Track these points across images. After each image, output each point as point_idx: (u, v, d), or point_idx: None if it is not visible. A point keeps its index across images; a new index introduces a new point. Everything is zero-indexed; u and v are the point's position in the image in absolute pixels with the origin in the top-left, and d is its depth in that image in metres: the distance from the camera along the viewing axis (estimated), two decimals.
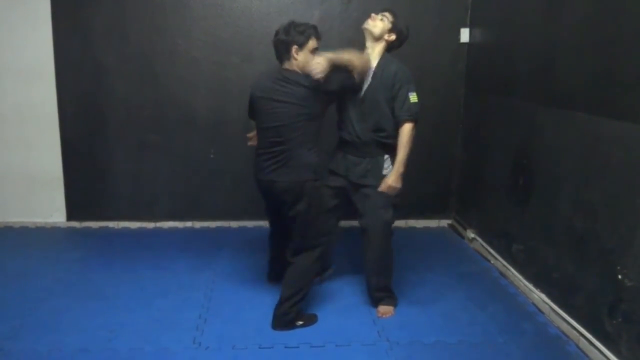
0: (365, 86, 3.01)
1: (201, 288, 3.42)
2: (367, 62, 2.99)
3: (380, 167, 3.04)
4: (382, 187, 2.99)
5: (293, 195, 2.88)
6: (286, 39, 2.84)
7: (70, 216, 4.55)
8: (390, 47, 3.07)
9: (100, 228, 4.54)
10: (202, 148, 4.47)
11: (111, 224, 4.57)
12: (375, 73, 2.99)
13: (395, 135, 2.99)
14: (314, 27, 2.89)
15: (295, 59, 2.85)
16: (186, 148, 4.47)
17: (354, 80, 2.92)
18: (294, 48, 2.83)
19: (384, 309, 3.15)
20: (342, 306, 3.24)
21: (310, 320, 3.05)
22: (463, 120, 4.53)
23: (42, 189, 4.48)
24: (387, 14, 3.02)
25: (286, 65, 2.89)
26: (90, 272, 3.68)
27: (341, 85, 2.91)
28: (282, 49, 2.87)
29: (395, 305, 3.20)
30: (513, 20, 3.66)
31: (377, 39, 3.01)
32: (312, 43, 2.86)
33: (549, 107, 3.15)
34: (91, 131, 4.42)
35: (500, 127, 3.82)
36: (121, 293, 3.33)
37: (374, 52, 3.03)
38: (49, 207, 4.52)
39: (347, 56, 2.90)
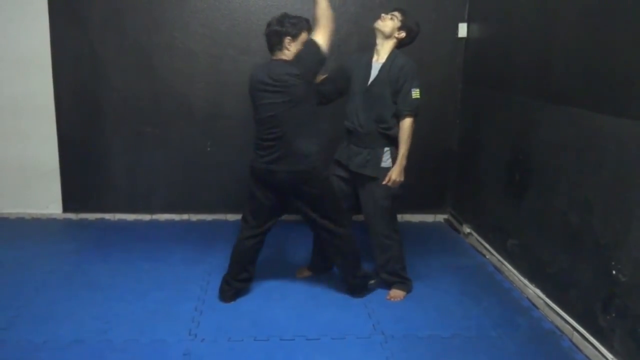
0: (372, 78, 3.11)
1: (197, 280, 3.43)
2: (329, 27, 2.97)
3: (379, 159, 3.11)
4: (386, 180, 3.08)
5: (296, 184, 2.94)
6: (280, 30, 2.87)
7: (66, 208, 4.55)
8: (401, 44, 3.16)
9: (97, 220, 4.54)
10: (199, 141, 4.46)
11: (107, 216, 4.57)
12: (383, 66, 3.10)
13: (395, 127, 3.09)
14: (307, 20, 2.94)
15: (288, 50, 2.89)
16: (183, 140, 4.46)
17: (322, 56, 2.90)
18: (287, 39, 2.87)
19: (395, 293, 3.26)
20: (337, 300, 3.24)
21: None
22: (460, 115, 4.53)
23: (39, 181, 4.47)
24: (396, 13, 3.11)
25: (277, 56, 2.93)
26: (86, 263, 3.68)
27: (315, 69, 2.93)
28: (275, 40, 2.90)
29: (407, 290, 3.30)
30: (511, 15, 3.65)
31: (387, 36, 3.11)
32: (304, 35, 2.90)
33: (546, 102, 3.15)
34: (88, 123, 4.41)
35: (497, 122, 3.83)
36: (117, 284, 3.33)
37: (384, 49, 3.13)
38: (45, 199, 4.52)
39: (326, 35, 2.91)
